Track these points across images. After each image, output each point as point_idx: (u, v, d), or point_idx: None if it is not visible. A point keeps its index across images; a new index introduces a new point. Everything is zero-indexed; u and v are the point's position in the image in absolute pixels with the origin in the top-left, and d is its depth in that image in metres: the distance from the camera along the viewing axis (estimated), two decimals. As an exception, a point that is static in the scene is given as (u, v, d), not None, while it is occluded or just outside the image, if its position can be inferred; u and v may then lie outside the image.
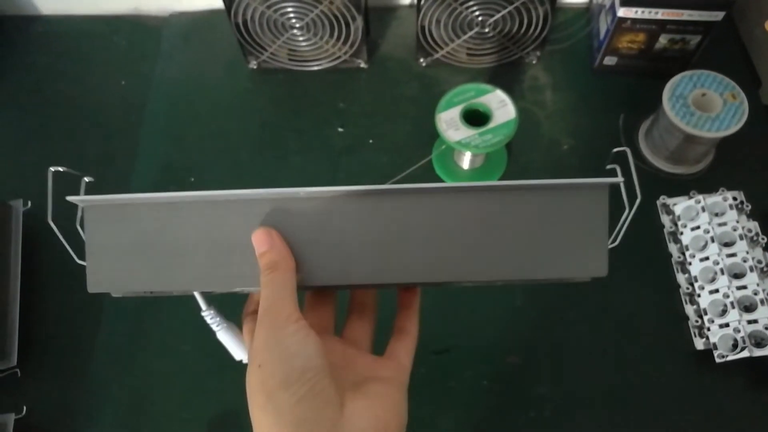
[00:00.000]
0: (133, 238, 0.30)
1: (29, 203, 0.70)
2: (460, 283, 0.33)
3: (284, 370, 0.27)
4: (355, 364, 0.32)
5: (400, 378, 0.32)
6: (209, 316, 0.36)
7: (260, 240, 0.31)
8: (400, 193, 0.31)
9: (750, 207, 0.63)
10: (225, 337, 0.37)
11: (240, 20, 0.72)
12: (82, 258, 0.32)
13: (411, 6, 0.83)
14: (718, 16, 0.67)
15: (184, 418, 0.61)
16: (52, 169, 0.31)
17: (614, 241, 0.33)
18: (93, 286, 0.32)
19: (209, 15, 0.85)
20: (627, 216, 0.32)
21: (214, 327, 0.37)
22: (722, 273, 0.60)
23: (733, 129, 0.62)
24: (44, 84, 0.83)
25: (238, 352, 0.37)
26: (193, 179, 0.74)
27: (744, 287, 0.59)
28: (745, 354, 0.57)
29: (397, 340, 0.35)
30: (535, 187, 0.31)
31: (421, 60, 0.79)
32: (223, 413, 0.61)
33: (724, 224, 0.62)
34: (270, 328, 0.28)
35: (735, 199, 0.63)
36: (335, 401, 0.28)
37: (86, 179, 0.31)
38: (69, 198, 0.28)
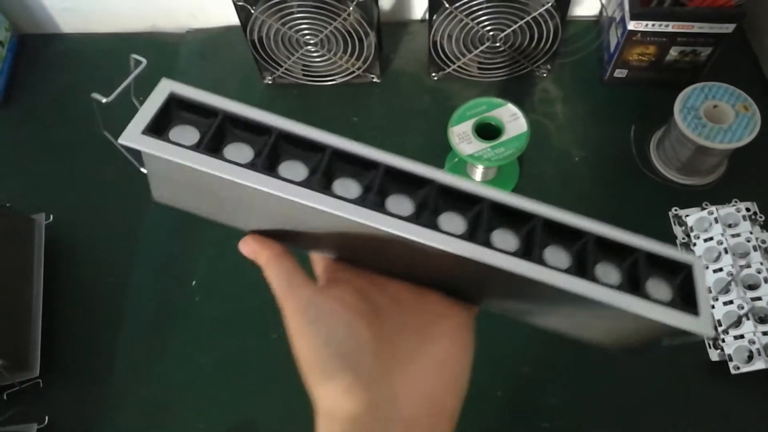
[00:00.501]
0: (189, 184, 0.29)
1: (51, 217, 0.72)
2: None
3: (321, 360, 0.26)
4: (427, 299, 0.31)
5: (469, 320, 0.32)
6: None
7: (245, 252, 0.31)
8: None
9: (763, 218, 0.63)
10: None
11: (255, 37, 0.74)
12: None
13: (423, 21, 0.85)
14: (728, 28, 0.67)
15: (200, 428, 0.62)
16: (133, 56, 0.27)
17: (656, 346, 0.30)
18: (156, 197, 0.32)
19: (225, 32, 0.87)
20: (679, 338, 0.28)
21: None
22: (736, 284, 0.60)
23: (746, 140, 0.62)
24: (64, 100, 0.85)
25: None
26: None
27: (759, 298, 0.59)
28: (760, 365, 0.57)
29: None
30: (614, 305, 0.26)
31: (433, 74, 0.80)
32: (239, 424, 0.62)
33: (738, 235, 0.62)
34: (292, 316, 0.28)
35: (748, 210, 0.63)
36: (384, 383, 0.27)
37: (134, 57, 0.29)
38: (122, 140, 0.25)
